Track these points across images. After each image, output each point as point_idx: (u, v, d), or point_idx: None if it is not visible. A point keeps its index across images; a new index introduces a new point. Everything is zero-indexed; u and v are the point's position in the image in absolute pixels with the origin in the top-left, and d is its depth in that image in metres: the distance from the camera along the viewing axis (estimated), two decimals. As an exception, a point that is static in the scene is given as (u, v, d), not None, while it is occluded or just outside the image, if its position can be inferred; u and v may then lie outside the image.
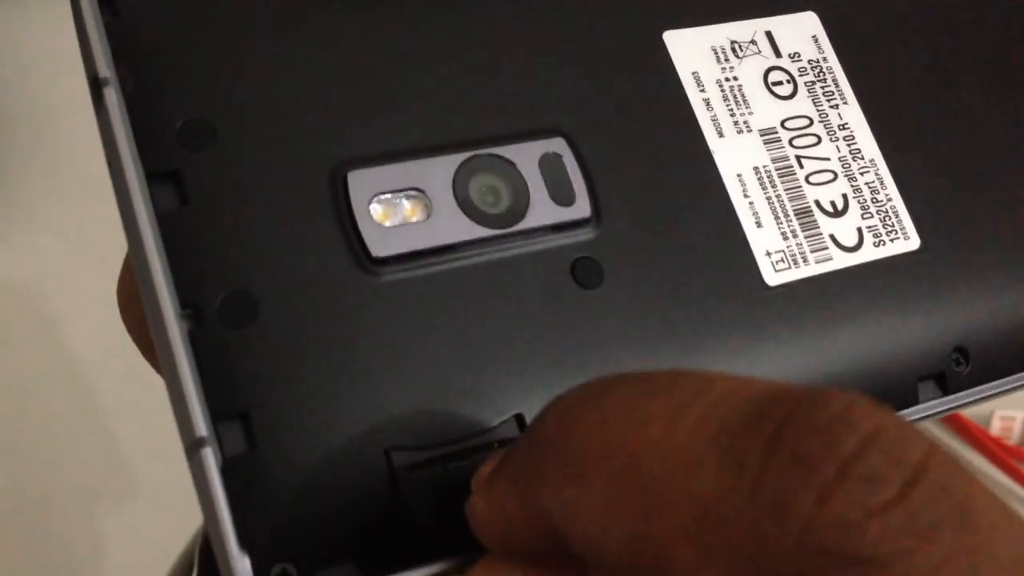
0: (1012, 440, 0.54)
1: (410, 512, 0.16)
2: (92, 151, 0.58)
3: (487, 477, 0.15)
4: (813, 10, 0.22)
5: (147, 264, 0.16)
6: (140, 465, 0.47)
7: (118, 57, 0.17)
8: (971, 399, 0.20)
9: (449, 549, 0.16)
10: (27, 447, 0.48)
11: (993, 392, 0.20)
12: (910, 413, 0.20)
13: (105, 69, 0.17)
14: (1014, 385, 0.21)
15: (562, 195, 0.19)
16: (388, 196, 0.18)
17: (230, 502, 0.15)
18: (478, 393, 0.17)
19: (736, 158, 0.20)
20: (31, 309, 0.51)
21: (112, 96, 0.17)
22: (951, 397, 0.20)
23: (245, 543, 0.15)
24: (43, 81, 0.57)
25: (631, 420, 0.13)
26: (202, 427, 0.15)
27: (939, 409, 0.20)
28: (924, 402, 0.20)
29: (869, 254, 0.20)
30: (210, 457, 0.15)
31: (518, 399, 0.17)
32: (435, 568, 0.16)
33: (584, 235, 0.19)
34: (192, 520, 0.30)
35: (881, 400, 0.18)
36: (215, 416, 0.15)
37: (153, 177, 0.16)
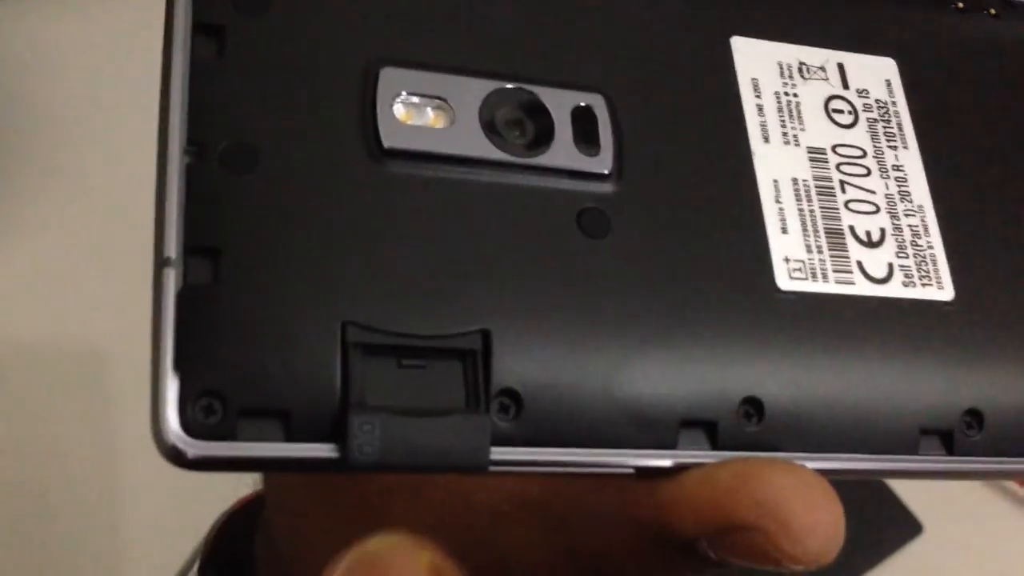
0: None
1: (349, 394, 0.16)
2: (92, 151, 0.58)
3: None
4: (894, 58, 0.22)
5: (169, 98, 0.17)
6: (141, 465, 0.47)
7: None
8: (978, 467, 0.19)
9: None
10: (27, 447, 0.48)
11: (1004, 469, 0.19)
12: (907, 465, 0.19)
13: None
14: None
15: (586, 145, 0.19)
16: (415, 99, 0.18)
17: (177, 323, 0.15)
18: (450, 299, 0.17)
19: (776, 165, 0.20)
20: (31, 309, 0.51)
21: None
22: (955, 459, 0.19)
23: (180, 365, 0.15)
24: (43, 81, 0.57)
25: None
26: (172, 249, 0.16)
27: (939, 468, 0.19)
28: (924, 455, 0.19)
29: (895, 291, 0.20)
30: (171, 277, 0.16)
31: (489, 317, 0.17)
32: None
33: (600, 188, 0.18)
34: (197, 523, 0.30)
35: (880, 442, 0.18)
36: (188, 246, 0.16)
37: (199, 27, 0.17)
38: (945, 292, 0.20)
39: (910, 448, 0.19)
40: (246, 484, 0.29)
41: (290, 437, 0.16)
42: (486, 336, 0.17)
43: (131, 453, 0.48)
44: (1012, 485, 0.53)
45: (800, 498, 0.16)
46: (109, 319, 0.49)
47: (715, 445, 0.18)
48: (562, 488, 0.19)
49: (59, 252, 0.52)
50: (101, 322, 0.50)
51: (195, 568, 0.29)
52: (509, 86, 0.19)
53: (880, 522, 0.52)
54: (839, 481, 0.18)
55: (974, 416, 0.19)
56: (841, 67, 0.22)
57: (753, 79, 0.21)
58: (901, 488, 0.52)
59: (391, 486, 0.21)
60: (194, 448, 0.15)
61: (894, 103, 0.22)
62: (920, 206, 0.21)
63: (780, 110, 0.21)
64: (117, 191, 0.53)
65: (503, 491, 0.20)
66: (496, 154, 0.18)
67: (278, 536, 0.26)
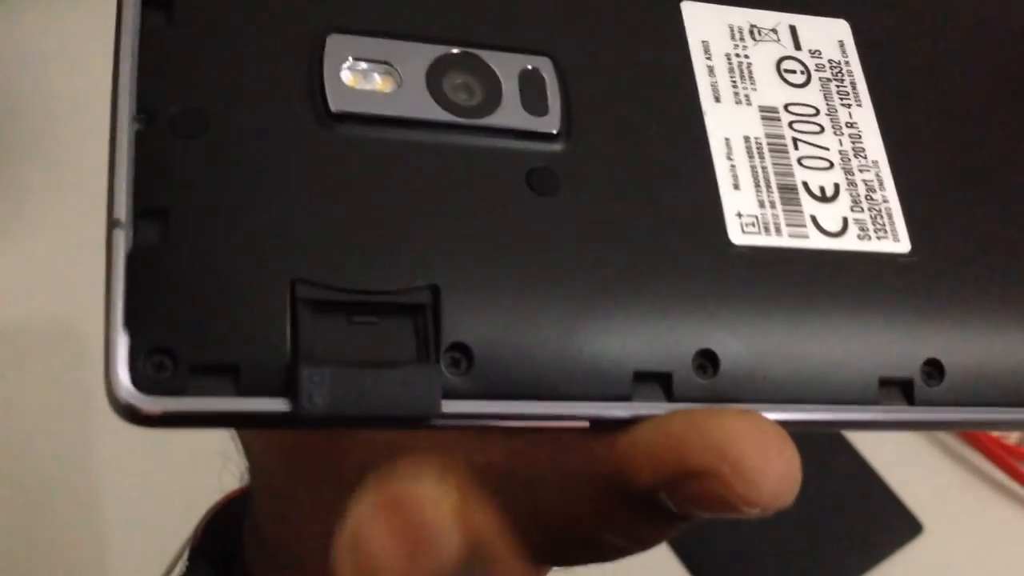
0: (1012, 440, 0.54)
1: (299, 349, 0.16)
2: (92, 151, 0.58)
3: None
4: (847, 19, 0.22)
5: (119, 67, 0.17)
6: (142, 464, 0.47)
7: None
8: (939, 417, 0.19)
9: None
10: (28, 447, 0.48)
11: (966, 418, 0.19)
12: (867, 415, 0.19)
13: None
14: (992, 417, 0.20)
15: (534, 107, 0.19)
16: (362, 65, 0.18)
17: (127, 283, 0.16)
18: (399, 256, 0.17)
19: (727, 124, 0.20)
20: (31, 309, 0.51)
21: None
22: (916, 408, 0.19)
23: (130, 323, 0.16)
24: (43, 81, 0.57)
25: None
26: (122, 211, 0.16)
27: (900, 418, 0.19)
28: (885, 405, 0.19)
29: (850, 244, 0.20)
30: (120, 239, 0.16)
31: (438, 273, 0.17)
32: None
33: (548, 147, 0.19)
34: (187, 515, 0.30)
35: (839, 393, 0.18)
36: (138, 208, 0.16)
37: (149, 1, 0.18)
38: (901, 244, 0.20)
39: (870, 399, 0.19)
40: (232, 473, 0.29)
41: (241, 392, 0.16)
42: (435, 291, 0.17)
43: (133, 453, 0.48)
44: (1016, 485, 0.53)
45: (752, 440, 0.16)
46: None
47: (670, 397, 0.18)
48: (526, 453, 0.19)
49: (59, 252, 0.52)
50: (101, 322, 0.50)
51: (183, 559, 0.29)
52: (456, 51, 0.19)
53: (880, 522, 0.52)
54: (802, 433, 0.18)
55: (934, 366, 0.19)
56: (793, 29, 0.22)
57: (703, 41, 0.21)
58: (901, 488, 0.52)
59: (364, 461, 0.21)
60: (146, 403, 0.15)
61: (847, 63, 0.22)
62: (874, 161, 0.21)
63: (731, 71, 0.21)
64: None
65: (471, 461, 0.20)
66: (444, 115, 0.18)
67: (262, 522, 0.26)
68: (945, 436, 0.54)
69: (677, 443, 0.16)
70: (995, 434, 0.54)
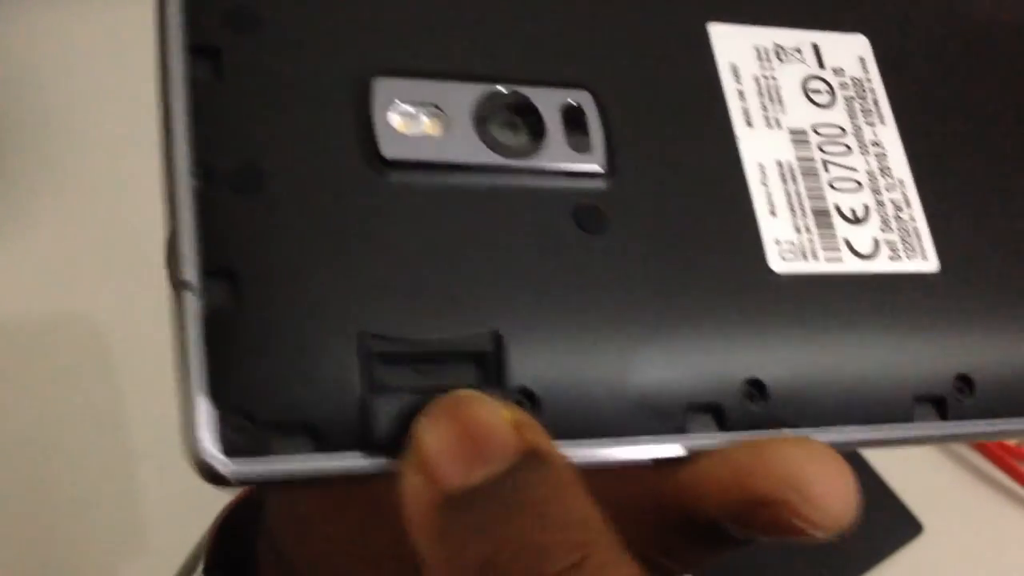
0: (1012, 440, 0.54)
1: (371, 405, 0.16)
2: (92, 151, 0.58)
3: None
4: (864, 34, 0.23)
5: (172, 123, 0.17)
6: (142, 464, 0.47)
7: None
8: (971, 430, 0.20)
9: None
10: (28, 447, 0.48)
11: (998, 429, 0.20)
12: (904, 433, 0.19)
13: None
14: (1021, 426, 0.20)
15: (578, 144, 0.19)
16: (409, 108, 0.18)
17: (205, 346, 0.16)
18: (459, 303, 0.17)
19: (761, 149, 0.20)
20: (31, 309, 0.51)
21: None
22: (949, 423, 0.20)
23: (209, 387, 0.16)
24: (43, 81, 0.57)
25: None
26: (192, 272, 0.16)
27: (934, 434, 0.20)
28: (919, 422, 0.19)
29: (882, 266, 0.20)
30: (191, 300, 0.16)
31: (498, 318, 0.17)
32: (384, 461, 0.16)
33: (594, 184, 0.19)
34: (199, 522, 0.30)
35: (877, 412, 0.19)
36: (206, 268, 0.16)
37: (195, 50, 0.18)
38: (930, 263, 0.21)
39: (906, 416, 0.19)
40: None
41: (319, 449, 0.16)
42: (497, 337, 0.17)
43: (134, 453, 0.48)
44: (1016, 485, 0.52)
45: (815, 468, 0.17)
46: (109, 319, 0.50)
47: (723, 426, 0.18)
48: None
49: (59, 252, 0.52)
50: (102, 321, 0.50)
51: (199, 571, 0.29)
52: (499, 88, 0.19)
53: (880, 522, 0.52)
54: (842, 452, 0.18)
55: (964, 381, 0.20)
56: (816, 47, 0.22)
57: (732, 64, 0.21)
58: (901, 488, 0.52)
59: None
60: (229, 466, 0.16)
61: (868, 80, 0.22)
62: (900, 180, 0.21)
63: (761, 94, 0.21)
64: (116, 188, 0.53)
65: None
66: (492, 158, 0.19)
67: (284, 544, 0.26)
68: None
69: (744, 475, 0.17)
70: (997, 435, 0.54)
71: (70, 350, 0.51)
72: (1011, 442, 0.54)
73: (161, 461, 0.46)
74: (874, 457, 0.53)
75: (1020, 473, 0.53)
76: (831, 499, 0.17)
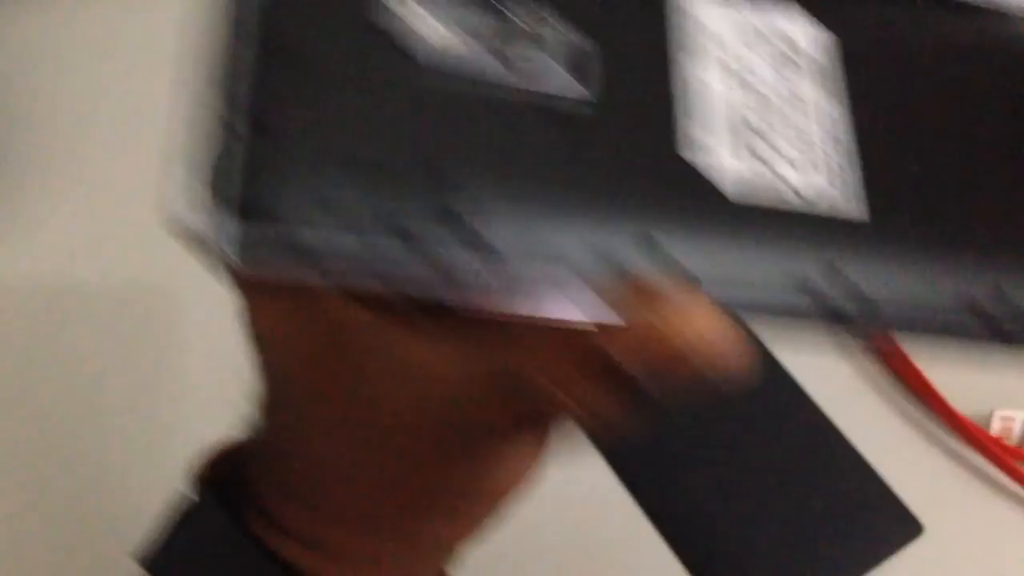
0: (1012, 440, 0.54)
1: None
2: (92, 151, 0.57)
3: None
4: (838, 35, 0.25)
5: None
6: (142, 464, 0.47)
7: None
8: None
9: None
10: (27, 447, 0.48)
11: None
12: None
13: None
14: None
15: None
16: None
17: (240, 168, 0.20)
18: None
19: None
20: (31, 309, 0.51)
21: None
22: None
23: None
24: (43, 81, 0.57)
25: None
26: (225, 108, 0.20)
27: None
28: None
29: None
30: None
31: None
32: None
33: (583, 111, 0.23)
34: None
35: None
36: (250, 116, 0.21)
37: None
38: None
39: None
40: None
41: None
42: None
43: (133, 453, 0.48)
44: (1016, 485, 0.52)
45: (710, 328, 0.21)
46: (109, 319, 0.50)
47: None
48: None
49: (59, 252, 0.52)
50: (101, 322, 0.50)
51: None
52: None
53: (880, 522, 0.52)
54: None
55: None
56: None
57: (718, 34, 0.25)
58: (901, 488, 0.52)
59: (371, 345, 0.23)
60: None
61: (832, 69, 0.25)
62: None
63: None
64: (116, 187, 0.53)
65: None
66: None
67: (283, 453, 0.27)
68: (945, 436, 0.54)
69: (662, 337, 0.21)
70: (995, 434, 0.54)
71: (70, 349, 0.51)
72: (1011, 442, 0.54)
73: (163, 454, 0.46)
74: (874, 457, 0.53)
75: (1020, 473, 0.53)
76: (728, 357, 0.21)
